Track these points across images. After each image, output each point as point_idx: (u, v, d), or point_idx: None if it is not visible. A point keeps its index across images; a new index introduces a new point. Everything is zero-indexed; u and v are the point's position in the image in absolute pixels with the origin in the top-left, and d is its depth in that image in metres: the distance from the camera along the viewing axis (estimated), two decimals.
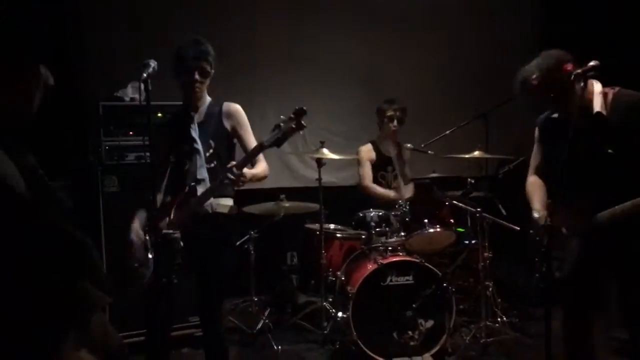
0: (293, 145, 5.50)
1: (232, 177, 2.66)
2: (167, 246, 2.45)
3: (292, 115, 2.69)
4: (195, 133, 2.86)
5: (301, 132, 2.71)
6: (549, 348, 2.28)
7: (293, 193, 4.58)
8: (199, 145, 2.84)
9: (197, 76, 2.85)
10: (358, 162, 4.76)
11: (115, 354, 1.31)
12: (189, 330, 4.02)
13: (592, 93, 2.61)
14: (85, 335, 1.22)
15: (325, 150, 4.17)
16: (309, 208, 4.42)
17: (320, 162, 4.16)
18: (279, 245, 5.11)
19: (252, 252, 4.37)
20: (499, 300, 4.47)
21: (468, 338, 4.06)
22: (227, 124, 2.95)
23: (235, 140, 3.01)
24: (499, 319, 4.32)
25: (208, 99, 3.01)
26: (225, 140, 2.96)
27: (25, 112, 1.51)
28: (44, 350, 1.10)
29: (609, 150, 2.51)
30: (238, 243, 4.28)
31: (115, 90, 4.17)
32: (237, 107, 3.00)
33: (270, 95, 5.40)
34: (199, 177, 2.79)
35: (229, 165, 2.69)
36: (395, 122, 4.63)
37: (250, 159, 2.77)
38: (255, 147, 2.77)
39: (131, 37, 4.70)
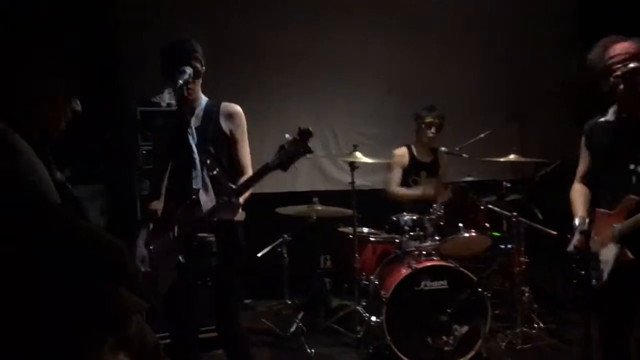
0: (326, 148, 5.53)
1: (234, 201, 2.60)
2: (202, 249, 2.47)
3: (297, 137, 2.54)
4: (192, 140, 2.75)
5: (308, 156, 2.56)
6: (590, 355, 2.23)
7: (326, 196, 4.58)
8: (195, 154, 2.73)
9: (188, 76, 2.66)
10: (388, 166, 4.72)
11: (152, 354, 1.33)
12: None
13: None
14: (123, 339, 1.24)
15: (358, 154, 4.16)
16: (342, 212, 4.41)
17: (353, 166, 4.15)
18: (312, 249, 5.12)
19: (285, 255, 4.40)
20: (536, 305, 4.40)
21: (504, 344, 4.01)
22: (226, 127, 2.82)
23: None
24: (535, 325, 4.25)
25: (204, 99, 2.87)
26: (225, 145, 2.83)
27: (54, 132, 1.55)
28: (84, 356, 1.13)
29: None
30: (271, 247, 4.32)
31: (153, 96, 4.25)
32: (237, 109, 2.87)
33: (305, 97, 5.44)
34: (194, 186, 2.70)
35: (234, 187, 2.63)
36: (433, 129, 4.58)
37: (256, 181, 2.65)
38: (262, 168, 2.63)
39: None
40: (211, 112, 2.82)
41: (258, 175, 2.64)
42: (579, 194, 2.87)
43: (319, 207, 4.34)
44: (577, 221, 2.73)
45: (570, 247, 2.67)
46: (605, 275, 2.58)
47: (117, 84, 4.72)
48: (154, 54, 2.75)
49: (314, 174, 5.41)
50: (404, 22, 5.63)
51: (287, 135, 2.56)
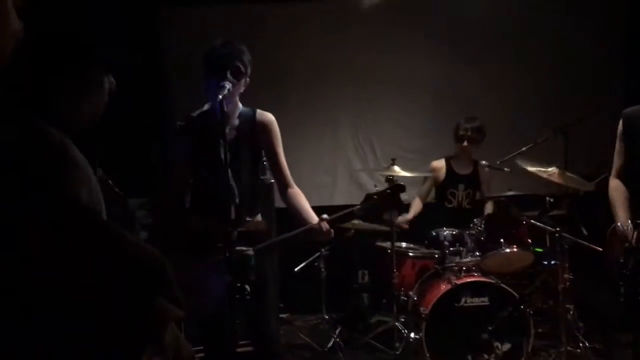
0: (364, 162, 5.52)
1: (320, 229, 2.52)
2: (241, 264, 2.46)
3: (388, 190, 2.49)
4: (225, 150, 2.46)
5: (397, 212, 2.53)
6: None
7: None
8: (227, 164, 2.45)
9: (229, 76, 2.53)
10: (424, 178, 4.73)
11: None
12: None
13: None
14: (160, 348, 1.24)
15: (396, 168, 4.13)
16: (380, 226, 4.38)
17: (391, 181, 4.11)
18: (350, 263, 5.10)
19: (323, 269, 4.38)
20: (581, 324, 4.26)
21: None
22: (264, 138, 2.71)
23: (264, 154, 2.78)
24: (580, 344, 4.12)
25: (240, 107, 2.74)
26: (260, 155, 2.75)
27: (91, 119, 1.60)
28: None
29: None
30: (308, 261, 4.31)
31: (194, 110, 4.31)
32: (272, 118, 2.75)
33: (345, 109, 5.47)
34: (233, 201, 2.54)
35: (319, 219, 2.55)
36: (465, 142, 4.51)
37: (339, 222, 2.58)
38: (346, 214, 2.58)
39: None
40: (247, 123, 2.70)
41: (341, 219, 2.58)
42: (618, 193, 2.73)
43: (357, 221, 4.31)
44: (619, 225, 2.60)
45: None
46: None
47: (163, 99, 4.82)
48: (199, 68, 2.71)
49: (352, 188, 5.40)
50: (445, 36, 5.59)
51: (376, 187, 2.50)
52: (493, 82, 5.61)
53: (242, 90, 2.68)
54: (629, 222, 2.57)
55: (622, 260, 2.62)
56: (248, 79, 2.67)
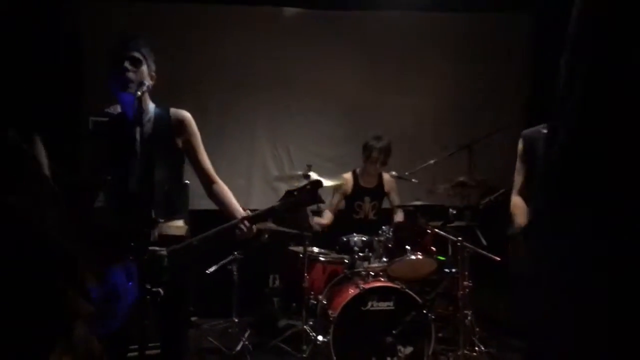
0: (280, 168, 5.58)
1: (243, 228, 2.54)
2: (153, 263, 2.43)
3: (308, 186, 2.52)
4: (138, 151, 2.51)
5: (318, 207, 2.57)
6: None
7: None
8: (141, 164, 2.48)
9: (127, 64, 2.49)
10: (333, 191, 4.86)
11: None
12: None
13: None
14: (69, 344, 1.24)
15: (312, 174, 4.22)
16: (294, 231, 4.45)
17: (308, 177, 4.20)
18: (263, 267, 5.13)
19: (235, 272, 4.38)
20: (478, 329, 4.51)
21: None
22: (179, 137, 2.66)
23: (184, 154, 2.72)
24: (476, 348, 4.36)
25: (152, 105, 2.68)
26: (177, 156, 2.69)
27: None
28: (35, 357, 1.13)
29: None
30: (221, 264, 4.31)
31: (107, 107, 4.22)
32: (188, 115, 2.70)
33: (264, 117, 5.53)
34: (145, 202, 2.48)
35: (241, 217, 2.55)
36: (378, 165, 4.74)
37: (260, 219, 2.60)
38: (267, 211, 2.60)
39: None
40: (161, 120, 2.64)
41: (263, 216, 2.60)
42: (518, 207, 2.91)
43: (272, 226, 4.37)
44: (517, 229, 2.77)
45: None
46: None
47: (73, 93, 4.68)
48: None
49: (267, 194, 5.45)
50: (363, 48, 5.79)
51: (295, 184, 2.58)
52: (406, 96, 5.85)
53: (149, 85, 2.61)
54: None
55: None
56: (154, 74, 2.64)
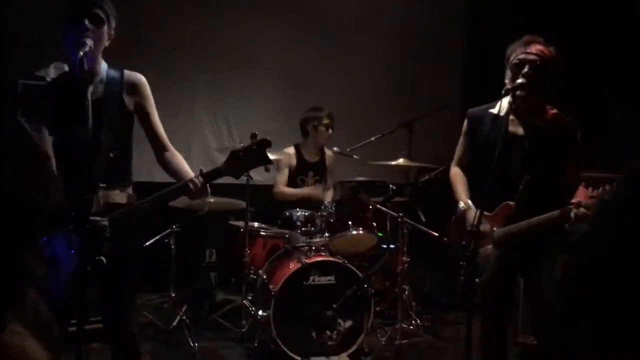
0: (219, 141, 5.46)
1: (196, 184, 2.45)
2: (94, 234, 2.31)
3: (253, 146, 2.42)
4: (89, 113, 2.35)
5: (266, 168, 2.49)
6: (470, 349, 2.37)
7: (217, 189, 4.50)
8: (89, 129, 2.32)
9: (87, 23, 2.35)
10: (277, 166, 4.74)
11: (45, 331, 1.25)
12: (101, 324, 3.86)
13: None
14: (21, 309, 1.16)
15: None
16: (234, 205, 4.38)
17: (255, 136, 4.11)
18: (201, 242, 5.03)
19: (173, 247, 4.26)
20: (414, 303, 4.62)
21: (384, 339, 4.16)
22: (131, 100, 2.54)
23: (135, 118, 2.63)
24: (413, 322, 4.46)
25: (104, 65, 2.53)
26: (127, 121, 2.58)
27: None
28: None
29: (538, 169, 2.62)
30: (159, 237, 4.18)
31: (37, 70, 3.97)
32: (142, 79, 2.59)
33: (203, 88, 5.38)
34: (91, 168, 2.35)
35: (194, 176, 2.46)
36: (330, 130, 4.69)
37: (208, 180, 2.49)
38: (211, 172, 2.49)
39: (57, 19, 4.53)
40: (114, 81, 2.51)
41: (207, 178, 2.48)
42: (459, 178, 2.94)
43: (211, 200, 4.26)
44: (462, 205, 2.82)
45: (468, 225, 2.67)
46: (486, 275, 2.73)
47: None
48: (43, 27, 2.48)
49: (206, 165, 5.28)
50: (305, 24, 5.72)
51: (239, 143, 2.45)
52: (348, 73, 5.84)
53: (105, 45, 2.49)
54: (470, 202, 2.80)
55: (464, 243, 2.85)
56: (113, 33, 2.50)
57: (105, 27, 2.45)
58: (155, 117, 2.64)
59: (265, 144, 2.43)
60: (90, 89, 2.44)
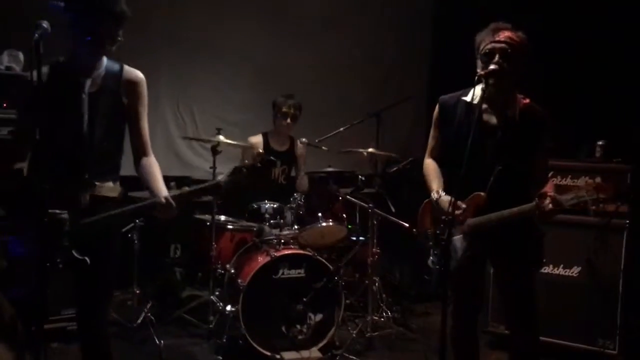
0: (183, 131, 5.31)
1: (162, 203, 2.41)
2: (53, 227, 2.20)
3: (259, 165, 2.83)
4: (85, 106, 2.37)
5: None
6: (444, 339, 2.33)
7: (183, 182, 4.38)
8: (84, 122, 2.36)
9: (112, 23, 2.37)
10: (241, 155, 4.63)
11: (9, 329, 1.16)
12: (61, 323, 3.70)
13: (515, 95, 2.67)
14: None
15: (221, 137, 4.04)
16: (200, 198, 4.25)
17: (215, 150, 4.01)
18: (165, 236, 4.89)
19: (136, 241, 4.10)
20: (384, 295, 4.58)
21: (354, 332, 4.10)
22: (127, 97, 2.50)
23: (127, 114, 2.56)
24: (384, 314, 4.43)
25: (105, 59, 2.50)
26: (122, 115, 2.52)
27: None
28: None
29: (510, 160, 2.58)
30: (123, 230, 4.02)
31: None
32: (141, 77, 2.56)
33: (166, 78, 5.22)
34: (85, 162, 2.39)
35: (164, 195, 2.42)
36: (288, 120, 4.55)
37: (193, 196, 2.57)
38: (190, 191, 2.55)
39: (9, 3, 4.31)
40: (112, 77, 2.48)
41: (185, 197, 2.52)
42: (433, 170, 2.85)
43: (177, 192, 4.12)
44: (435, 194, 2.75)
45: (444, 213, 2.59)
46: (455, 264, 2.68)
47: None
48: None
49: (169, 158, 5.17)
50: (272, 12, 5.61)
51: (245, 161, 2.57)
52: (314, 63, 5.77)
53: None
54: (443, 191, 2.75)
55: (429, 232, 2.81)
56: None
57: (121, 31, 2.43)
58: (144, 118, 2.57)
59: (272, 165, 2.70)
60: (88, 82, 2.41)
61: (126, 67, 2.55)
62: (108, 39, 2.38)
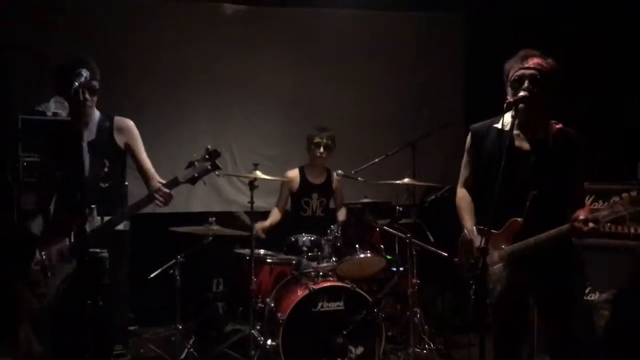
0: (223, 166, 5.40)
1: (160, 197, 2.81)
2: (94, 266, 2.28)
3: (206, 156, 2.83)
4: (85, 153, 2.82)
5: (217, 173, 2.86)
6: None
7: (222, 218, 4.46)
8: (86, 167, 2.80)
9: (87, 95, 2.80)
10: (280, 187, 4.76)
11: None
12: None
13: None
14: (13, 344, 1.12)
15: (258, 173, 4.11)
16: (239, 232, 4.31)
17: (253, 185, 4.07)
18: (207, 271, 4.96)
19: (178, 277, 4.17)
20: (426, 326, 4.51)
21: None
22: (120, 140, 2.96)
23: (127, 156, 3.05)
24: (426, 346, 4.36)
25: (97, 113, 2.96)
26: (118, 158, 2.97)
27: None
28: None
29: (545, 184, 2.55)
30: (163, 268, 4.11)
31: (37, 104, 3.97)
32: (129, 122, 3.02)
33: (204, 114, 5.38)
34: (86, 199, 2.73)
35: (156, 189, 2.83)
36: (322, 149, 4.62)
37: (169, 188, 2.85)
38: (171, 181, 2.84)
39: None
40: (104, 126, 2.93)
41: (168, 186, 2.83)
42: (465, 203, 2.85)
43: (215, 227, 4.21)
44: (467, 233, 2.75)
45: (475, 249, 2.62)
46: (496, 294, 2.64)
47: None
48: (40, 62, 2.65)
49: (210, 195, 5.28)
50: (306, 47, 5.72)
51: (194, 155, 2.82)
52: (349, 96, 5.82)
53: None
54: (474, 228, 2.75)
55: (472, 261, 2.77)
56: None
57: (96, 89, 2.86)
58: (142, 153, 3.03)
59: (215, 155, 2.85)
60: (86, 133, 2.86)
61: (116, 117, 3.00)
62: (83, 94, 2.72)
